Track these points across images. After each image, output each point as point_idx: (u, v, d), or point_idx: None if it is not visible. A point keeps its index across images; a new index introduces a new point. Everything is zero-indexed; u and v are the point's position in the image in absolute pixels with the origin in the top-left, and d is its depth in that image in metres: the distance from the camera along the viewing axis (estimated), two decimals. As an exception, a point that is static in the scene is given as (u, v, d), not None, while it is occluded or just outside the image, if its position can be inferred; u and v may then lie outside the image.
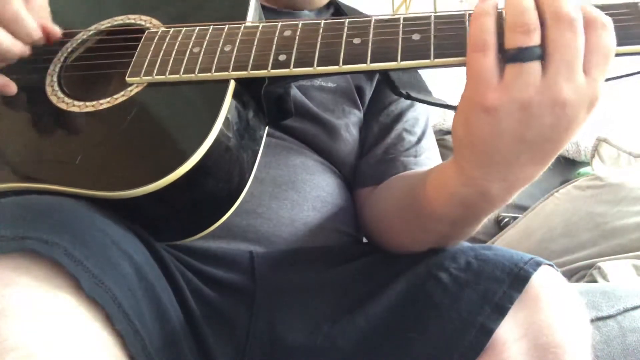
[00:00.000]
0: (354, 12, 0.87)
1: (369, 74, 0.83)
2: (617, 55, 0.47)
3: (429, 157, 0.80)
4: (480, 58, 0.46)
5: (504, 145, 0.47)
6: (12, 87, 0.63)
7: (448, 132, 1.99)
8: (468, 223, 0.59)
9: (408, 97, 0.71)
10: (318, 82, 0.80)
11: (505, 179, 0.51)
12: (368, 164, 0.79)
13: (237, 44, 0.59)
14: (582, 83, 0.44)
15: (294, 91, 0.76)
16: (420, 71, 0.80)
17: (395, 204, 0.70)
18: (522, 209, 1.57)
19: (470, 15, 0.53)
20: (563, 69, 0.44)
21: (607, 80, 0.47)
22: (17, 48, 0.61)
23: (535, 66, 0.44)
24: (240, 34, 0.60)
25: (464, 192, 0.54)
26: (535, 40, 0.44)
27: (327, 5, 0.89)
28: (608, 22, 0.45)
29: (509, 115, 0.45)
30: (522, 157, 0.48)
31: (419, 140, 0.81)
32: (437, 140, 0.89)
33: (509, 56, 0.45)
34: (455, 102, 0.64)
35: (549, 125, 0.46)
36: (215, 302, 0.62)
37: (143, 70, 0.60)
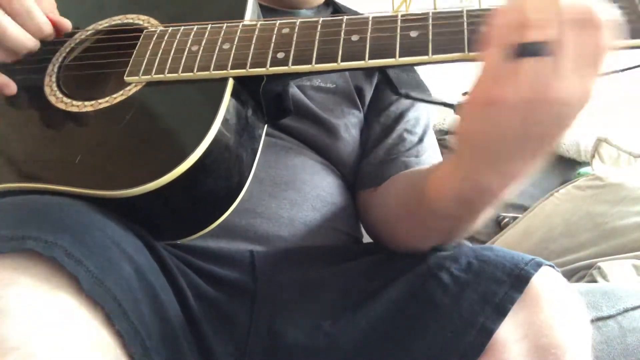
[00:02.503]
0: (352, 13, 0.87)
1: (368, 72, 0.83)
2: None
3: (430, 156, 0.80)
4: (495, 52, 0.46)
5: (505, 140, 0.48)
6: (12, 87, 0.63)
7: (448, 132, 1.99)
8: (468, 219, 0.60)
9: (407, 96, 0.71)
10: (317, 82, 0.80)
11: (503, 174, 0.51)
12: (370, 164, 0.79)
13: (235, 42, 0.59)
14: (583, 81, 0.45)
15: (294, 90, 0.76)
16: (419, 72, 0.80)
17: (399, 204, 0.70)
18: (522, 209, 1.57)
19: (467, 12, 0.54)
20: (566, 66, 0.45)
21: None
22: (30, 42, 0.62)
23: (540, 62, 0.45)
24: (238, 32, 0.60)
25: (461, 187, 0.54)
26: (542, 36, 0.45)
27: (326, 5, 0.89)
28: (606, 23, 0.45)
29: (514, 110, 0.46)
30: (520, 152, 0.49)
31: (421, 140, 0.81)
32: (437, 140, 0.89)
33: (518, 52, 0.45)
34: (454, 101, 0.64)
35: (551, 122, 0.46)
36: (216, 301, 0.62)
37: (141, 70, 0.60)
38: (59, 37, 0.66)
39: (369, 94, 0.83)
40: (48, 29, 0.63)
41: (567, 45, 0.44)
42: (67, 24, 0.66)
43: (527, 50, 0.45)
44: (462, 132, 0.51)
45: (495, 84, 0.46)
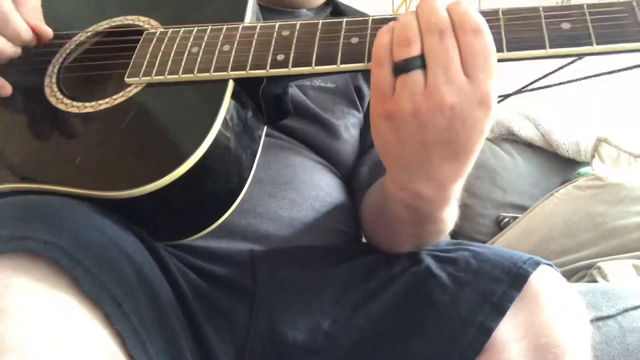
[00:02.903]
0: (352, 11, 0.88)
1: (368, 74, 0.83)
2: (616, 52, 0.49)
3: None
4: (378, 72, 0.49)
5: (410, 149, 0.49)
6: (7, 89, 0.63)
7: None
8: (425, 222, 0.60)
9: None
10: (317, 82, 0.80)
11: (429, 179, 0.52)
12: (365, 166, 0.79)
13: (235, 44, 0.59)
14: (464, 85, 0.46)
15: (294, 91, 0.76)
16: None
17: (372, 208, 0.72)
18: (522, 209, 1.57)
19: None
20: (440, 74, 0.46)
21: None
22: (8, 49, 0.61)
23: (417, 75, 0.47)
24: (238, 34, 0.60)
25: (400, 196, 0.55)
26: (414, 51, 0.47)
27: (325, 4, 0.89)
28: (479, 25, 0.46)
29: (405, 122, 0.48)
30: (433, 157, 0.50)
31: None
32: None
33: (396, 69, 0.48)
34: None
35: (445, 127, 0.47)
36: (216, 300, 0.62)
37: (142, 71, 0.60)
38: (40, 44, 0.65)
39: (368, 94, 0.83)
40: (27, 35, 0.62)
41: (436, 55, 0.46)
42: (48, 32, 0.65)
43: (402, 67, 0.48)
44: (376, 146, 0.53)
45: (385, 100, 0.48)
